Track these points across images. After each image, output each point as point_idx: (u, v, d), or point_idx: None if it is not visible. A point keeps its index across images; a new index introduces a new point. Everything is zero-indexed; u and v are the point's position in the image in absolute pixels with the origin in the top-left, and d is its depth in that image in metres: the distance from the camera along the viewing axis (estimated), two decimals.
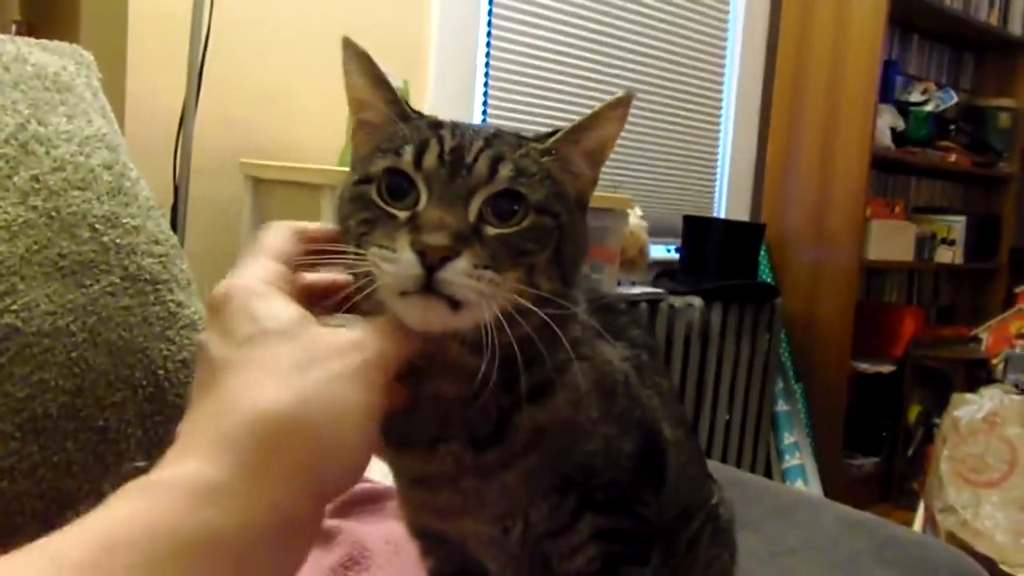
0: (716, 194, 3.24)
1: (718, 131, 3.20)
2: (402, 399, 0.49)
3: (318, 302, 0.51)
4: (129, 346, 0.86)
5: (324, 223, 0.53)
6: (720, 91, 3.17)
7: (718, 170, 3.23)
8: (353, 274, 0.48)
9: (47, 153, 0.87)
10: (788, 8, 3.26)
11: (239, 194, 1.91)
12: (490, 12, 2.43)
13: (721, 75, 3.16)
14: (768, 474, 3.04)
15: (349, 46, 0.53)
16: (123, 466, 0.83)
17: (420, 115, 0.53)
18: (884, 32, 3.06)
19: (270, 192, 1.91)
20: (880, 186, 3.58)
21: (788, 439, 3.10)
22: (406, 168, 0.48)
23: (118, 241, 0.88)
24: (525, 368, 0.48)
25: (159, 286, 0.90)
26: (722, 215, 3.23)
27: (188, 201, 1.70)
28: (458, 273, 0.45)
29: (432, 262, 0.44)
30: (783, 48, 3.28)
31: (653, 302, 2.50)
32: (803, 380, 3.22)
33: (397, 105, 0.52)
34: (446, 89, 2.32)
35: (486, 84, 2.45)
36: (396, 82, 2.12)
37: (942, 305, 4.06)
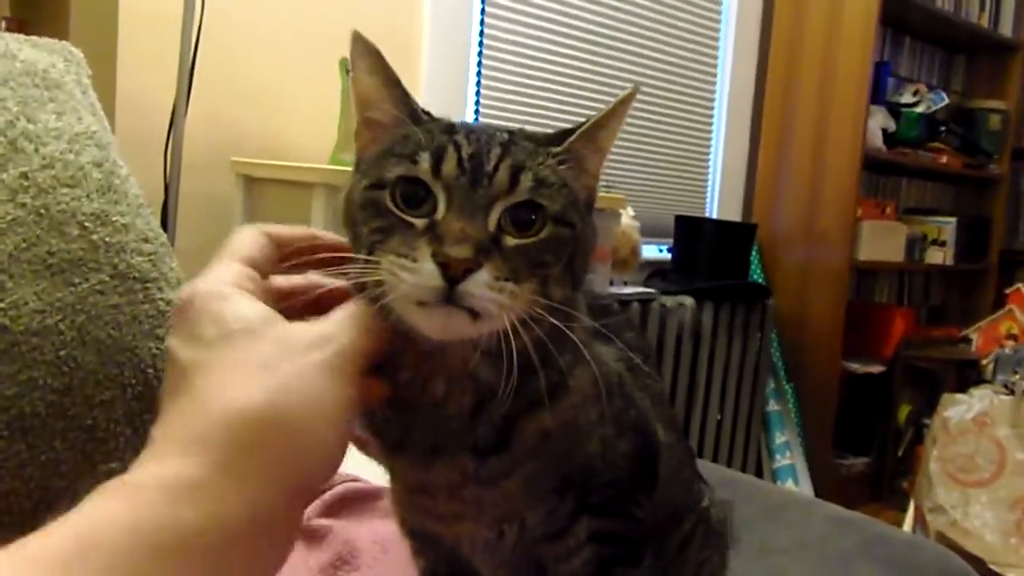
0: (708, 194, 3.25)
1: (710, 131, 3.20)
2: (380, 393, 0.49)
3: (293, 306, 0.50)
4: (118, 344, 0.85)
5: (296, 226, 0.53)
6: (712, 92, 3.18)
7: (710, 170, 3.24)
8: (361, 282, 0.47)
9: (36, 150, 0.86)
10: (780, 9, 3.26)
11: (230, 192, 1.90)
12: (482, 11, 2.43)
13: (713, 76, 3.17)
14: (759, 473, 3.05)
15: (359, 40, 0.50)
16: (98, 467, 0.82)
17: (431, 116, 0.52)
18: (876, 33, 3.07)
19: (261, 191, 1.91)
20: (871, 187, 3.60)
21: (779, 439, 3.11)
22: (424, 177, 0.47)
23: (107, 239, 0.87)
24: (536, 373, 0.47)
25: (149, 284, 0.90)
26: (714, 215, 3.23)
27: (179, 199, 1.69)
28: (480, 285, 0.44)
29: (454, 274, 0.44)
30: (775, 49, 3.29)
31: (645, 302, 2.50)
32: (794, 380, 3.23)
33: (408, 106, 0.51)
34: (438, 88, 2.31)
35: (478, 83, 2.45)
36: None
37: (932, 306, 4.08)
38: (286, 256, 0.51)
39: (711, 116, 3.19)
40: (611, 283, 2.40)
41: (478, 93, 2.45)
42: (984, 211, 3.95)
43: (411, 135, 0.49)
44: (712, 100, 3.18)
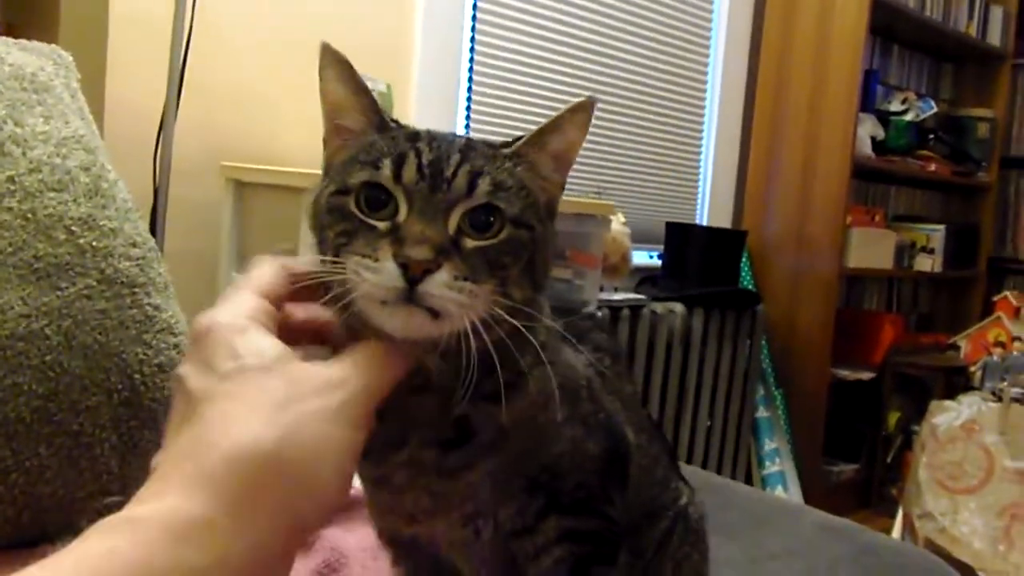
0: (698, 201, 3.26)
1: (700, 138, 3.21)
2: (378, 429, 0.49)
3: (301, 336, 0.50)
4: (105, 350, 0.85)
5: (308, 256, 0.53)
6: (703, 98, 3.19)
7: (700, 177, 3.24)
8: (328, 282, 0.48)
9: (24, 154, 0.86)
10: (770, 17, 3.28)
11: (219, 197, 1.90)
12: (474, 18, 2.43)
13: (704, 83, 3.18)
14: (748, 480, 3.05)
15: (328, 52, 0.53)
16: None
17: (398, 124, 0.53)
18: (865, 41, 3.09)
19: (251, 195, 1.90)
20: (860, 194, 3.61)
21: (768, 445, 3.11)
22: (385, 182, 0.49)
23: (95, 244, 0.87)
24: (495, 371, 0.48)
25: (136, 289, 0.89)
26: (704, 222, 3.24)
27: (168, 204, 1.68)
28: (439, 285, 0.45)
29: (414, 275, 0.45)
30: (765, 57, 3.30)
31: (635, 308, 2.51)
32: (783, 386, 3.23)
33: (376, 114, 0.53)
34: (430, 93, 2.31)
35: (469, 89, 2.45)
36: (379, 86, 2.11)
37: (921, 313, 4.10)
38: (298, 290, 0.52)
39: (701, 123, 3.20)
40: (601, 289, 2.40)
41: (469, 99, 2.45)
42: (972, 219, 3.97)
43: (376, 142, 0.51)
44: (702, 107, 3.19)
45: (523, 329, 0.48)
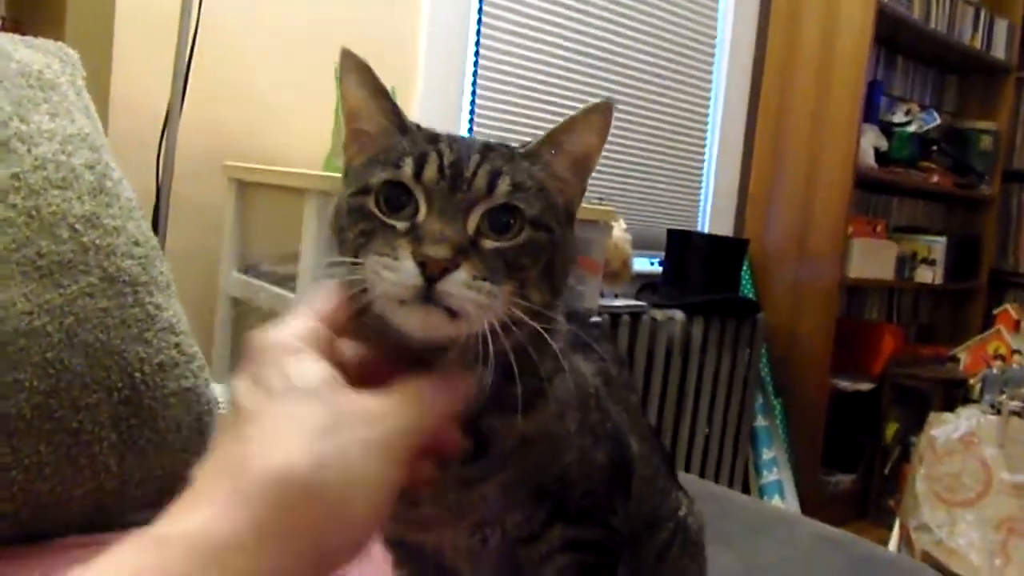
0: (700, 208, 3.26)
1: (703, 146, 3.21)
2: (428, 475, 0.48)
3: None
4: (106, 348, 0.85)
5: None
6: (706, 107, 3.19)
7: (703, 185, 3.25)
8: (348, 282, 0.48)
9: (28, 151, 0.86)
10: (775, 27, 3.28)
11: (222, 197, 1.90)
12: (479, 21, 2.43)
13: (708, 91, 3.18)
14: (746, 489, 3.05)
15: (348, 56, 0.53)
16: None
17: (418, 127, 0.53)
18: (869, 52, 3.09)
19: (254, 195, 1.90)
20: (862, 205, 3.61)
21: (766, 455, 3.11)
22: (406, 181, 0.49)
23: (98, 242, 0.87)
24: (514, 380, 0.48)
25: (138, 288, 0.89)
26: (706, 230, 3.24)
27: (171, 203, 1.69)
28: (457, 284, 0.45)
29: (433, 273, 0.45)
30: (769, 66, 3.30)
31: (635, 315, 2.51)
32: (782, 396, 3.23)
33: (396, 116, 0.53)
34: (435, 96, 2.32)
35: (474, 92, 2.45)
36: None
37: (921, 324, 4.10)
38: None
39: (705, 131, 3.20)
40: (602, 295, 2.40)
41: (473, 102, 2.46)
42: (974, 231, 3.97)
43: (396, 144, 0.51)
44: (706, 114, 3.20)
45: (543, 332, 0.48)
